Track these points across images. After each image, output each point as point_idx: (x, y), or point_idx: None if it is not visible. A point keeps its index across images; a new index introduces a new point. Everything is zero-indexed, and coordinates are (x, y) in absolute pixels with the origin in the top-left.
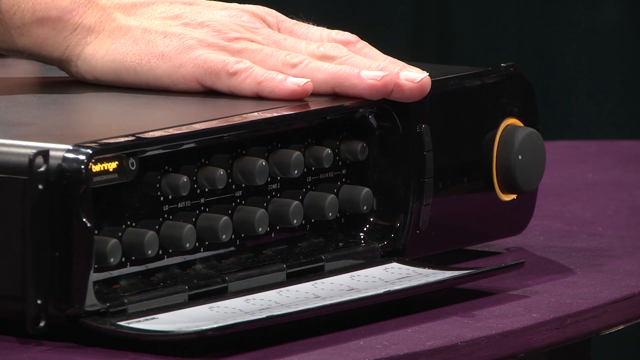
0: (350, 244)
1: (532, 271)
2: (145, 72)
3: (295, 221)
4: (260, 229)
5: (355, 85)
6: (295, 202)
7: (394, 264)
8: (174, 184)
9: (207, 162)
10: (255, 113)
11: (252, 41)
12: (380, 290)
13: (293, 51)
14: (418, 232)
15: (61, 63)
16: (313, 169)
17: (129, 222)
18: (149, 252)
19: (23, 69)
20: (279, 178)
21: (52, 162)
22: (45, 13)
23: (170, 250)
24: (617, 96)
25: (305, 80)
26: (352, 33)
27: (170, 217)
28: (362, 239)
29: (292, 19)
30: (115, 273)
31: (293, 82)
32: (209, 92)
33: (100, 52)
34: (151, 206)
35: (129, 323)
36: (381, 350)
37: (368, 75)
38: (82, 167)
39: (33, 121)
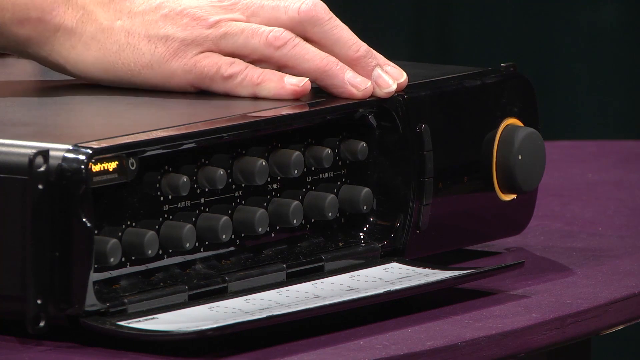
0: (350, 244)
1: (532, 271)
2: (139, 82)
3: (295, 221)
4: (260, 229)
5: (338, 85)
6: (295, 202)
7: (394, 264)
8: (174, 184)
9: (207, 162)
10: (255, 113)
11: (232, 20)
12: (380, 290)
13: (273, 22)
14: (418, 232)
15: (48, 64)
16: (313, 169)
17: (129, 222)
18: (149, 252)
19: (23, 69)
20: (279, 178)
21: (52, 162)
22: (25, 14)
23: (170, 250)
24: (617, 96)
25: (304, 80)
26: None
27: (170, 217)
28: (362, 239)
29: None
30: (115, 273)
31: (292, 83)
32: (207, 92)
33: (88, 58)
34: (151, 206)
35: (129, 323)
36: (381, 350)
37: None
38: (82, 167)
39: (33, 121)
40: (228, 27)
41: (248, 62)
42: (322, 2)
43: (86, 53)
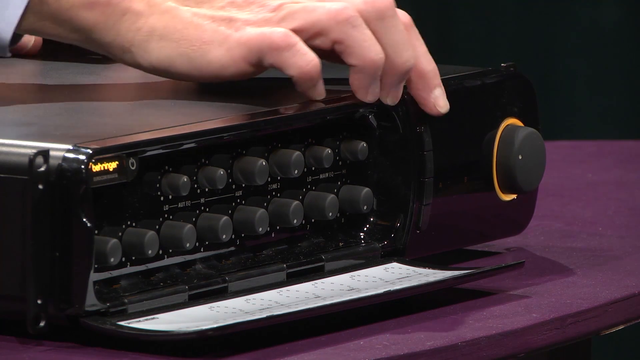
0: (351, 244)
1: (532, 271)
2: (197, 58)
3: (295, 221)
4: (260, 229)
5: (364, 86)
6: (295, 202)
7: (394, 264)
8: (174, 184)
9: (207, 162)
10: (255, 113)
11: (296, 3)
12: (380, 290)
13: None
14: (418, 232)
15: (112, 50)
16: (313, 169)
17: (129, 222)
18: (149, 252)
19: (23, 69)
20: (279, 178)
21: (52, 162)
22: None
23: (171, 250)
24: (617, 96)
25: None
26: None
27: (170, 217)
28: (362, 239)
29: None
30: (115, 273)
31: (319, 92)
32: (207, 92)
33: (153, 37)
34: (151, 206)
35: (129, 323)
36: (381, 350)
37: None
38: (82, 167)
39: (33, 121)
40: (289, 8)
41: (306, 39)
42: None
43: (152, 33)
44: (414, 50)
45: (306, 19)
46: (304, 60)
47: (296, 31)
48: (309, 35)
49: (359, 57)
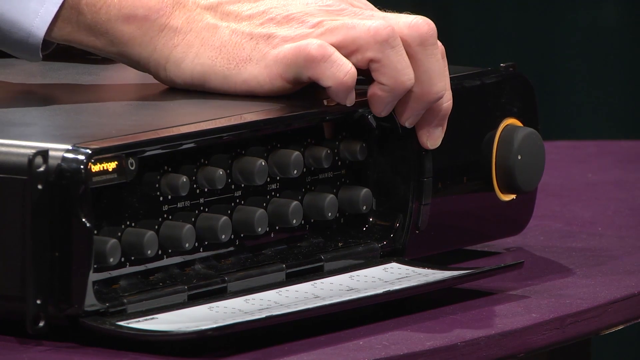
0: (350, 244)
1: (532, 271)
2: (233, 76)
3: (294, 221)
4: (259, 229)
5: (385, 109)
6: (295, 202)
7: (394, 264)
8: (174, 184)
9: (206, 162)
10: (255, 113)
11: (334, 20)
12: (380, 290)
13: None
14: (417, 232)
15: (148, 65)
16: (312, 169)
17: (128, 222)
18: (149, 252)
19: (23, 69)
20: (278, 178)
21: (51, 162)
22: (132, 11)
23: (170, 250)
24: (617, 96)
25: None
26: None
27: (170, 217)
28: (362, 239)
29: None
30: (115, 273)
31: (352, 100)
32: (207, 92)
33: (189, 55)
34: (151, 206)
35: (128, 323)
36: (381, 350)
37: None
38: (82, 167)
39: (33, 121)
40: (329, 24)
41: (343, 55)
42: (434, 27)
43: (188, 50)
44: (443, 82)
45: (345, 36)
46: (342, 71)
47: (334, 46)
48: (347, 52)
49: (391, 78)
